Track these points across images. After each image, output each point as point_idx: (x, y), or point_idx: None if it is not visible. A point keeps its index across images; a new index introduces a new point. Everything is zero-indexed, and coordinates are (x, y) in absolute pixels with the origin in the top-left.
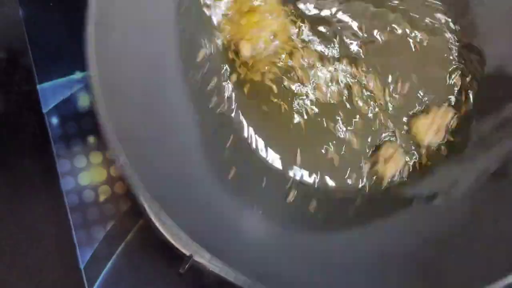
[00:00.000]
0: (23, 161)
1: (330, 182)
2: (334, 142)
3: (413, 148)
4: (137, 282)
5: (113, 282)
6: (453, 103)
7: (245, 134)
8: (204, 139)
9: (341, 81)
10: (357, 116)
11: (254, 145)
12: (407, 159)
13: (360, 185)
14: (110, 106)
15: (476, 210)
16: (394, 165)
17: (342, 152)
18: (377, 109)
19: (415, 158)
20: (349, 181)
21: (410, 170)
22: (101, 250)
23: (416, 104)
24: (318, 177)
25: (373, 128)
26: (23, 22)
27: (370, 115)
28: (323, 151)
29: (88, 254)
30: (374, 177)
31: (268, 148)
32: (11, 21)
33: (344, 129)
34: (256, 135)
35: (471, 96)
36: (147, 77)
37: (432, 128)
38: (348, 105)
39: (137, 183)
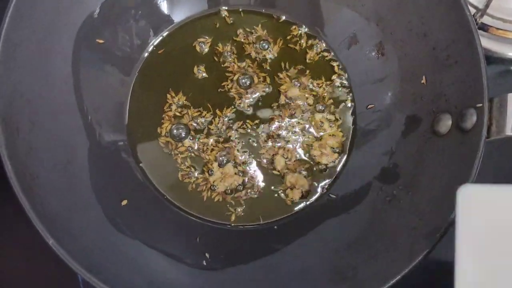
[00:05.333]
0: None
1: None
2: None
3: (313, 169)
4: None
5: None
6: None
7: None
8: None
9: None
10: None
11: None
12: (309, 181)
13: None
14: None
15: (371, 217)
16: (298, 189)
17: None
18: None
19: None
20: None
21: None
22: None
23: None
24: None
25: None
26: None
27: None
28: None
29: None
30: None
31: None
32: None
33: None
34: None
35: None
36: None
37: (327, 150)
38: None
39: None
